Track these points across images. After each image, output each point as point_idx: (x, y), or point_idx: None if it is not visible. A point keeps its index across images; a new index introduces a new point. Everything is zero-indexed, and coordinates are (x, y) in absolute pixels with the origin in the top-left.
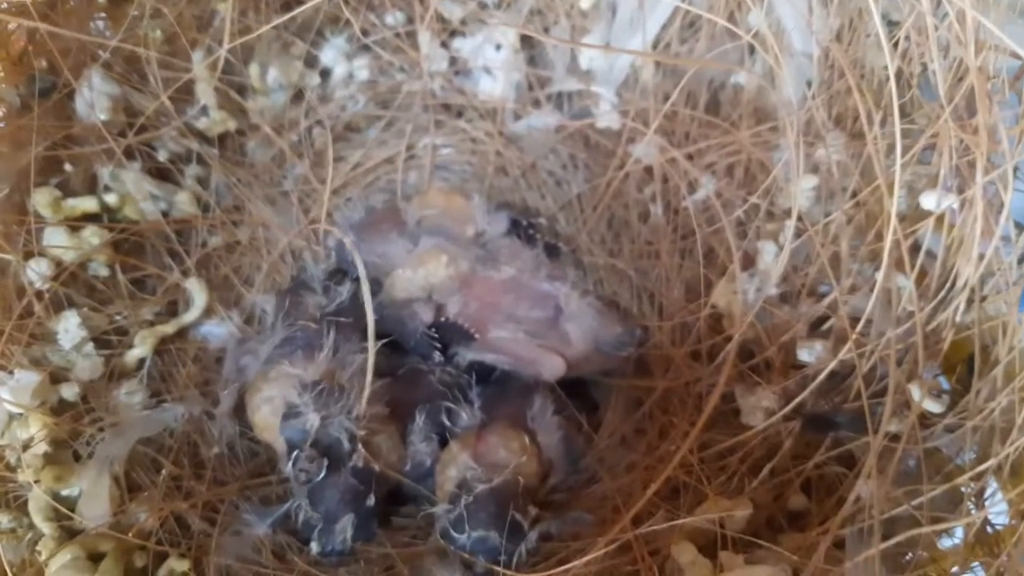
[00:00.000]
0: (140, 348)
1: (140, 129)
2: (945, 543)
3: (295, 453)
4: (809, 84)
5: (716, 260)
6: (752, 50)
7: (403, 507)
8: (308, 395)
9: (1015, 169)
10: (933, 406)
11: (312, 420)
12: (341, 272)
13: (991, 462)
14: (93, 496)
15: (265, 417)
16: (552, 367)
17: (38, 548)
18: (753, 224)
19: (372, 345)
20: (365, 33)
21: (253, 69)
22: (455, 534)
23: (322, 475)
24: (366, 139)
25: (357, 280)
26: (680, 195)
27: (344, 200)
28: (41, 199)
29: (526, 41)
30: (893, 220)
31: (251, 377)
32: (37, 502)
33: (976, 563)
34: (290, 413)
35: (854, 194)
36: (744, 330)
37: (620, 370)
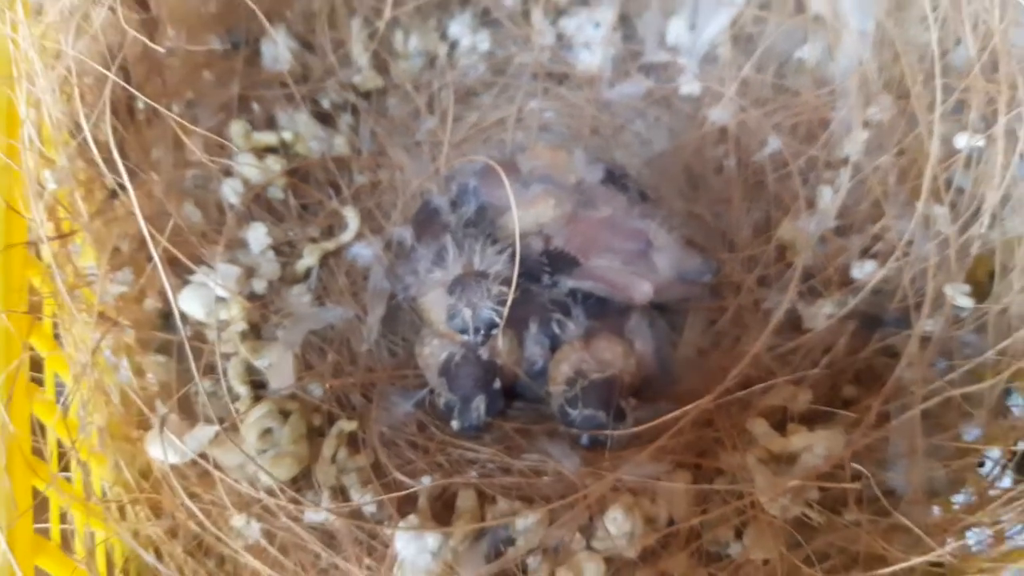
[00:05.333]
0: (308, 259)
1: (307, 80)
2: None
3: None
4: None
5: (780, 204)
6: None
7: (516, 402)
8: (454, 296)
9: None
10: (964, 300)
11: (466, 313)
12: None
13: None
14: (279, 367)
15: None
16: (642, 291)
17: (236, 405)
18: (812, 173)
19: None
20: (487, 12)
21: (398, 37)
22: (569, 409)
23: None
24: (482, 102)
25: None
26: (750, 151)
27: (463, 153)
28: (236, 130)
29: (621, 21)
30: (932, 157)
31: (412, 291)
32: (236, 368)
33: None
34: (449, 314)
35: (900, 147)
36: (807, 255)
37: (697, 297)
